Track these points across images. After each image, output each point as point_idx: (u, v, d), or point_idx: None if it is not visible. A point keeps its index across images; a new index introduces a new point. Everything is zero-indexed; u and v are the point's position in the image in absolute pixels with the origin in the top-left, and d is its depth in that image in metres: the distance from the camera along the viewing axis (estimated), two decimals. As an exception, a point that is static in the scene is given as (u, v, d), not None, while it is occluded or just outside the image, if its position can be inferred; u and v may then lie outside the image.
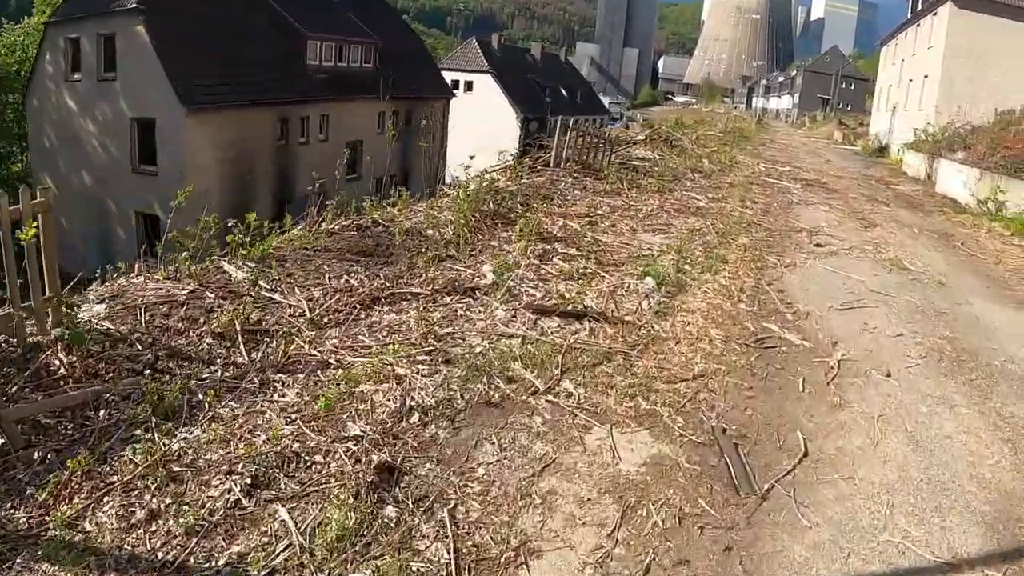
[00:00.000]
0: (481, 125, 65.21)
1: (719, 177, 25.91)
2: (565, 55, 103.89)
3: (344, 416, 7.17)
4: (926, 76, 40.88)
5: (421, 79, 52.60)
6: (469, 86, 73.76)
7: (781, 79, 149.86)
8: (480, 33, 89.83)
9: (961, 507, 7.01)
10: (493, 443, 7.05)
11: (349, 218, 13.89)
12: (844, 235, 18.38)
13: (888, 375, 9.75)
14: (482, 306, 10.26)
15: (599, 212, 16.94)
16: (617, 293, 11.28)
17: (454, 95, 57.21)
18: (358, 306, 9.72)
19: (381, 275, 10.92)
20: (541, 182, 19.46)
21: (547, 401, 7.87)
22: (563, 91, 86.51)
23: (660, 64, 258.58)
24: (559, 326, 9.82)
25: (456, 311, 10.04)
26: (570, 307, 10.36)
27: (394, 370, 8.05)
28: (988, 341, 11.60)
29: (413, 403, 7.52)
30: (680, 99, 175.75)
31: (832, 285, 13.64)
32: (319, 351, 8.43)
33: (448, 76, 71.16)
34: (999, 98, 33.29)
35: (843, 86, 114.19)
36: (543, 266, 12.20)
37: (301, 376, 7.86)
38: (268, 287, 9.87)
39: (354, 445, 6.70)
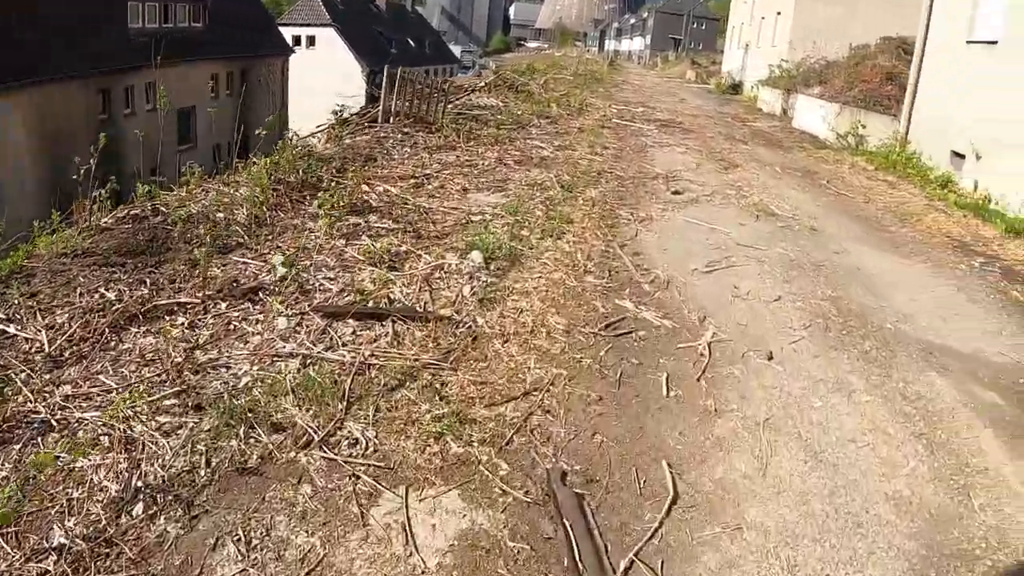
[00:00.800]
0: (326, 82, 62.13)
1: (568, 122, 23.80)
2: (412, 5, 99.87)
3: (51, 514, 4.79)
4: (779, 13, 39.65)
5: (257, 37, 49.13)
6: (312, 41, 69.96)
7: (633, 21, 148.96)
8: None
9: (882, 549, 5.19)
10: (239, 539, 4.74)
11: (128, 207, 11.39)
12: (703, 179, 16.53)
13: (770, 357, 7.81)
14: (263, 313, 7.92)
15: (427, 172, 14.67)
16: (435, 277, 9.04)
17: (294, 52, 53.75)
18: (107, 330, 7.23)
19: (147, 281, 8.44)
20: (366, 141, 17.07)
21: (323, 456, 5.59)
22: (411, 42, 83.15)
23: (511, 11, 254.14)
24: (354, 333, 7.55)
25: (230, 323, 7.66)
26: (370, 304, 8.11)
27: (126, 430, 5.63)
28: (875, 297, 9.84)
29: (141, 483, 5.16)
30: (532, 45, 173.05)
31: (694, 241, 11.68)
32: (46, 405, 5.91)
33: (289, 32, 67.60)
34: (853, 33, 32.16)
35: (695, 26, 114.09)
36: (348, 248, 9.88)
37: (15, 449, 5.38)
38: (2, 316, 7.29)
39: (53, 566, 4.37)
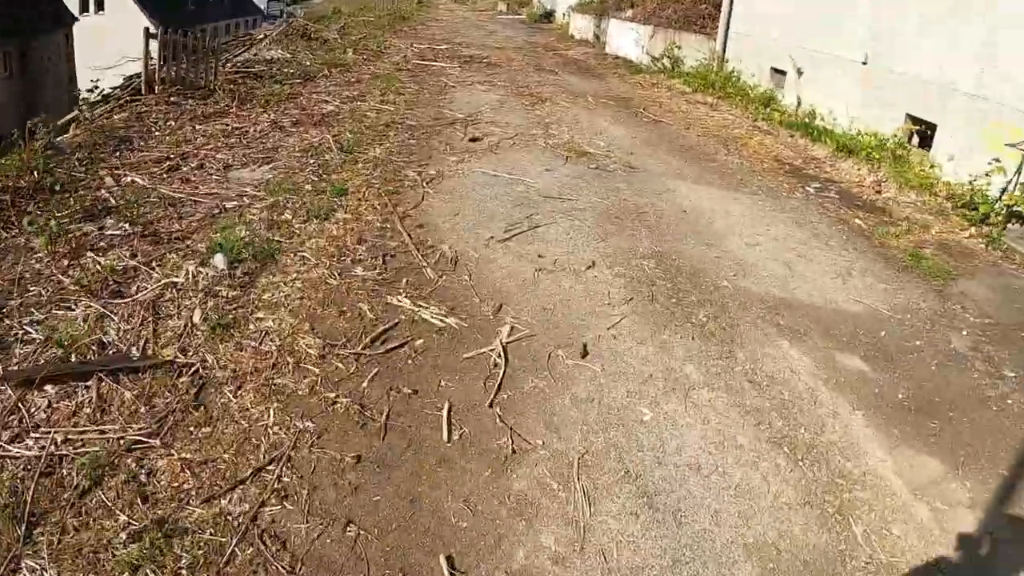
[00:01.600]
0: (122, 48, 57.59)
1: (363, 69, 21.60)
2: None
3: None
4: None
5: (33, 8, 44.49)
6: (100, 5, 64.92)
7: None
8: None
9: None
10: None
11: None
12: (507, 119, 14.74)
13: (584, 354, 6.16)
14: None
15: (187, 150, 12.49)
16: (164, 300, 7.02)
17: (76, 19, 49.22)
18: None
19: None
20: (123, 120, 14.69)
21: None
22: None
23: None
24: (51, 406, 5.51)
25: None
26: (74, 357, 6.09)
27: None
28: (707, 247, 8.34)
29: None
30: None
31: (492, 198, 9.86)
32: None
33: (73, -3, 62.82)
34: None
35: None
36: (70, 271, 7.78)
37: None
38: None
39: None
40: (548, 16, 44.41)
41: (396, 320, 6.55)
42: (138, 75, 17.14)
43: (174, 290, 7.12)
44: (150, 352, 6.16)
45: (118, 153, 12.39)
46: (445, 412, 5.34)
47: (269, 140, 12.86)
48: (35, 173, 10.83)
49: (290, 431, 5.12)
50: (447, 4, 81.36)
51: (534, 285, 7.29)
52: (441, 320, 6.55)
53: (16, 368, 5.99)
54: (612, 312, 6.82)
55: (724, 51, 19.11)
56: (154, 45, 16.68)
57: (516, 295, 7.06)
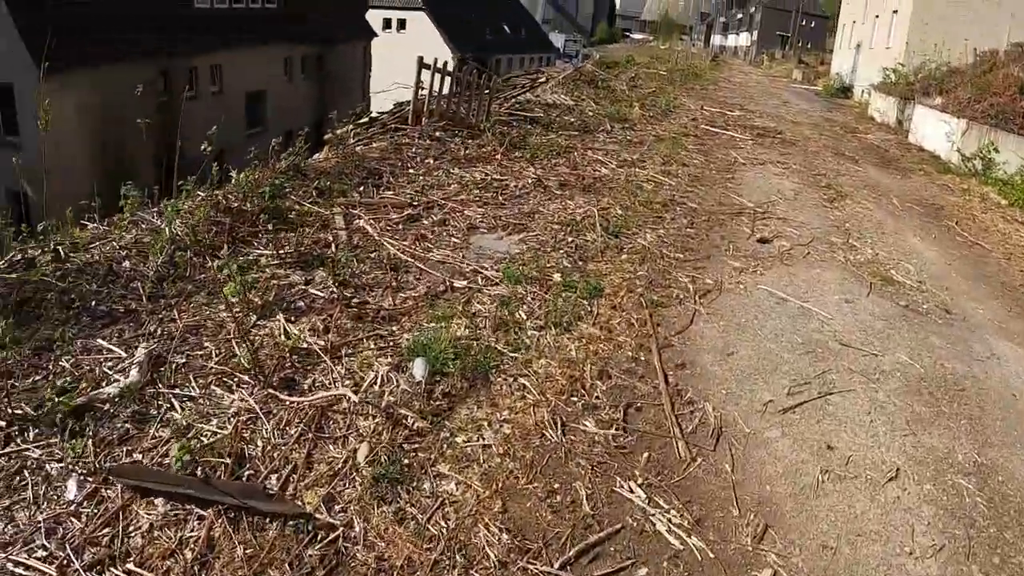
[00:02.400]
0: (409, 66, 58.85)
1: (647, 128, 19.94)
2: None
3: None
4: (895, 11, 34.96)
5: (338, 19, 45.93)
6: (402, 24, 66.86)
7: (739, 16, 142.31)
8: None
9: None
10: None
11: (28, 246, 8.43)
12: (802, 216, 12.61)
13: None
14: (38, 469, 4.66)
15: (435, 197, 11.20)
16: (334, 410, 5.49)
17: (376, 35, 50.40)
18: None
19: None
20: (380, 150, 13.67)
21: None
22: (506, 28, 79.00)
23: (618, 1, 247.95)
24: (153, 529, 4.23)
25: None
26: (199, 471, 4.68)
27: None
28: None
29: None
30: (637, 36, 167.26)
31: (776, 336, 7.84)
32: None
33: (379, 15, 64.92)
34: (978, 37, 27.72)
35: (803, 23, 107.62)
36: (255, 332, 6.53)
37: None
38: None
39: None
40: (845, 91, 41.45)
41: (619, 525, 4.72)
42: (409, 102, 16.19)
43: (350, 399, 5.60)
44: (290, 491, 4.67)
45: (362, 188, 11.37)
46: None
47: (528, 202, 11.46)
48: (264, 197, 9.94)
49: None
50: (740, 65, 79.17)
51: (816, 498, 5.22)
52: (681, 539, 4.66)
53: (132, 464, 4.74)
54: (913, 569, 4.73)
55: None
56: (426, 75, 15.65)
57: (790, 513, 5.03)
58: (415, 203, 10.78)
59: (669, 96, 26.75)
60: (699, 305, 8.32)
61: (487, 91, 16.67)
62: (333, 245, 8.92)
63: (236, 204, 9.69)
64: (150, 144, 34.20)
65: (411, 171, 12.66)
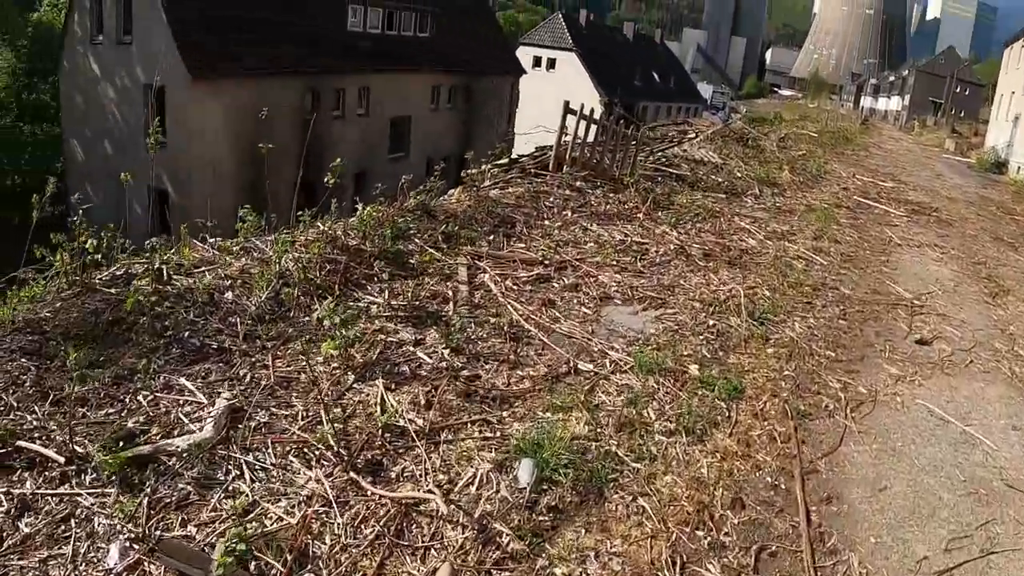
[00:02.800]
0: (558, 106, 58.15)
1: (797, 195, 18.67)
2: (662, 38, 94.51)
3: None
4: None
5: (487, 52, 45.79)
6: (552, 64, 66.42)
7: (892, 78, 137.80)
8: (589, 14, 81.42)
9: None
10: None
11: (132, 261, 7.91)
12: (963, 313, 11.25)
13: None
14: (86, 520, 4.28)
15: (569, 256, 10.29)
16: (419, 513, 4.64)
17: (525, 72, 50.03)
18: None
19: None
20: (517, 196, 12.85)
21: None
22: (655, 75, 77.94)
23: (768, 55, 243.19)
24: None
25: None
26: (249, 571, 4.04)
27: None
28: None
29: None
30: (786, 93, 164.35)
31: (934, 469, 6.62)
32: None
33: (529, 52, 64.82)
34: None
35: (957, 90, 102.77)
36: (346, 399, 5.74)
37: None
38: None
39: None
40: (1000, 166, 38.85)
41: None
42: (551, 147, 15.36)
43: (441, 508, 4.69)
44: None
45: (492, 237, 10.56)
46: None
47: (669, 272, 10.51)
48: (385, 237, 9.21)
49: None
50: (890, 130, 76.28)
51: None
52: None
53: (182, 541, 4.24)
54: None
55: None
56: (571, 120, 14.80)
57: None
58: (547, 260, 9.89)
59: (819, 160, 25.30)
60: (850, 420, 7.18)
61: (634, 142, 15.75)
62: (452, 302, 8.10)
63: (354, 243, 8.97)
64: (294, 160, 34.38)
65: (546, 223, 11.83)
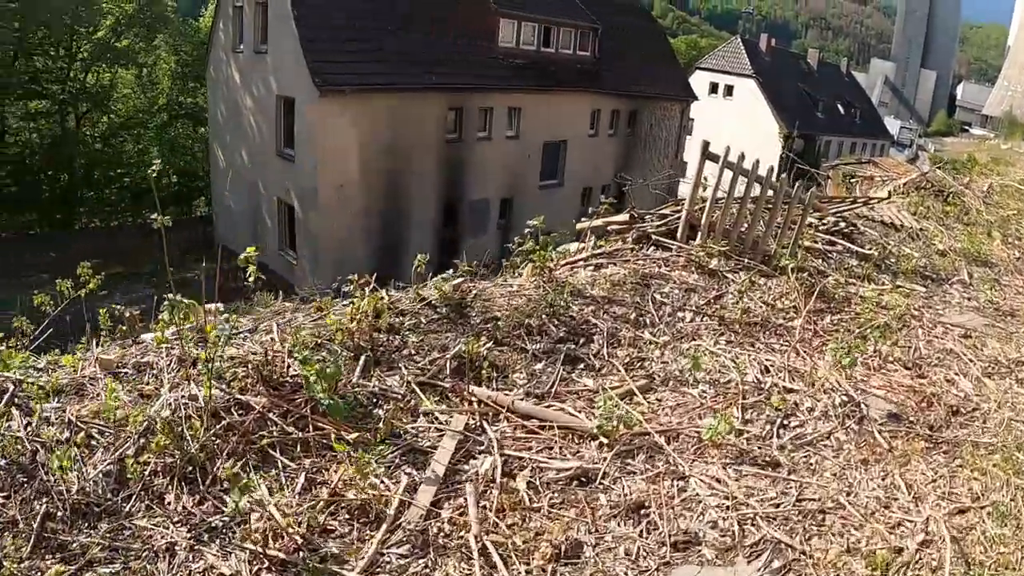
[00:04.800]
0: (733, 137, 53.11)
1: (1014, 280, 13.32)
2: (848, 67, 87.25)
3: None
4: None
5: (655, 75, 40.97)
6: (729, 90, 61.22)
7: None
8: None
9: None
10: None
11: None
12: None
13: None
14: None
15: (666, 414, 5.93)
16: None
17: (696, 98, 44.90)
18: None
19: None
20: (615, 282, 8.43)
21: None
22: (839, 107, 70.46)
23: (959, 90, 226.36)
24: None
25: None
26: None
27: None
28: None
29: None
30: (977, 132, 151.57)
31: None
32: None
33: (705, 78, 60.22)
34: None
35: None
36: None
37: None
38: None
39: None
40: None
41: None
42: (682, 204, 10.90)
43: None
44: None
45: (543, 363, 6.27)
46: None
47: (822, 464, 5.91)
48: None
49: None
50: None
51: None
52: None
53: None
54: None
55: None
56: (711, 169, 10.29)
57: None
58: (606, 434, 5.49)
59: (1038, 224, 19.60)
60: None
61: (800, 204, 11.04)
62: (385, 527, 3.99)
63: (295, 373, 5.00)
64: (433, 182, 31.26)
65: (647, 334, 7.42)
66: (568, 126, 35.25)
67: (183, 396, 4.81)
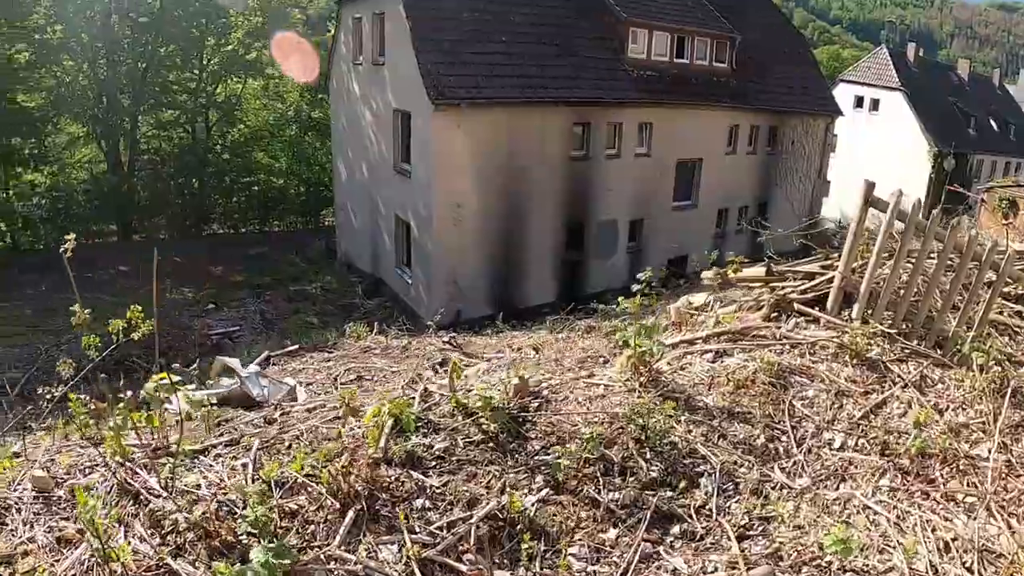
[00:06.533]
0: (879, 155, 49.29)
1: None
2: (1000, 79, 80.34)
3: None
4: None
5: (798, 88, 37.51)
6: (875, 104, 56.77)
7: None
8: (916, 51, 70.05)
9: None
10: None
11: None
12: None
13: None
14: None
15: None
16: None
17: (842, 113, 41.11)
18: None
19: None
20: (737, 383, 6.18)
21: None
22: (992, 123, 64.30)
23: None
24: None
25: None
26: None
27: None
28: None
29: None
30: None
31: None
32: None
33: (850, 91, 56.25)
34: None
35: None
36: None
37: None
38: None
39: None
40: None
41: None
42: (792, 262, 8.57)
43: None
44: None
45: (629, 519, 4.30)
46: None
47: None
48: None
49: None
50: None
51: None
52: None
53: None
54: None
55: None
56: (881, 217, 7.83)
57: None
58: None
59: None
60: None
61: (994, 270, 8.39)
62: None
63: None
64: (556, 201, 29.14)
65: (778, 473, 5.18)
66: (703, 143, 32.38)
67: (97, 556, 3.55)
